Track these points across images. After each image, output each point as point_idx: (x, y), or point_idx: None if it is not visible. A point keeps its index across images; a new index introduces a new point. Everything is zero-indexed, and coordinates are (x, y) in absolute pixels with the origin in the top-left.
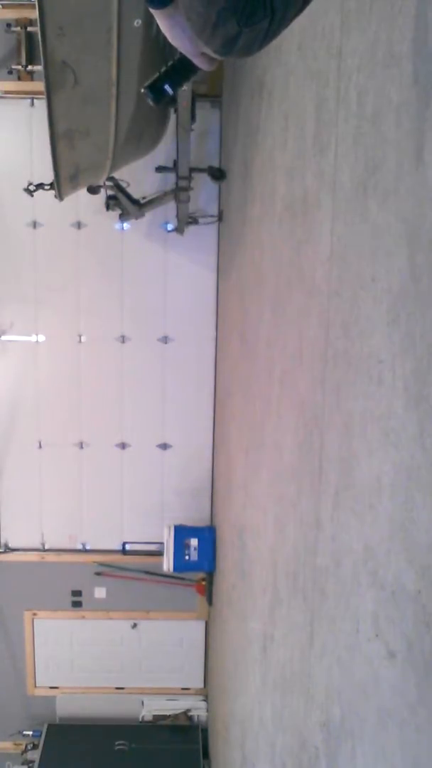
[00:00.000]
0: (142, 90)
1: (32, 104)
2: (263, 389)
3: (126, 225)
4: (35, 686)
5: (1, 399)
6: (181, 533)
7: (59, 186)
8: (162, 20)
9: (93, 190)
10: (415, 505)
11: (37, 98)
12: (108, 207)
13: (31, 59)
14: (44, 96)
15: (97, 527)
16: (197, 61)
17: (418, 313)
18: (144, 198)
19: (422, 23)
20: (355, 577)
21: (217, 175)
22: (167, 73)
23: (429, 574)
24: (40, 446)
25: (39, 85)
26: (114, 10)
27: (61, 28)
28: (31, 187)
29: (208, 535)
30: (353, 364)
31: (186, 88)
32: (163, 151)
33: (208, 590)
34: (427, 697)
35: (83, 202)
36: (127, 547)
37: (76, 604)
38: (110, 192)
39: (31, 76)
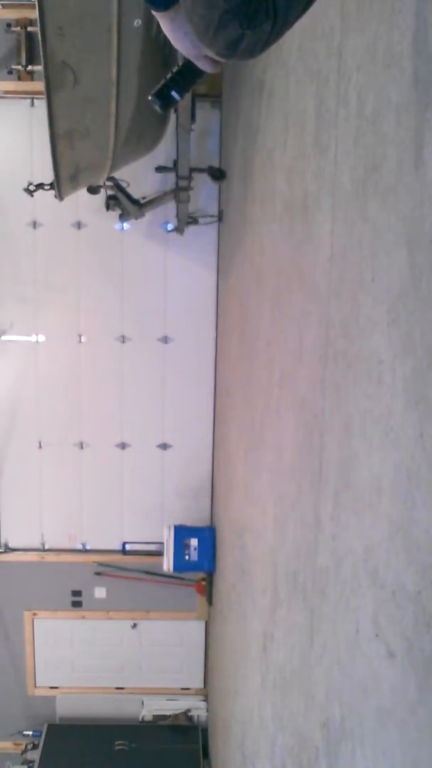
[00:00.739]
0: (149, 98)
1: (32, 104)
2: (263, 389)
3: (126, 225)
4: (35, 686)
5: (1, 399)
6: (181, 533)
7: (59, 186)
8: (164, 22)
9: (93, 190)
10: (415, 505)
11: (37, 98)
12: (108, 207)
13: (31, 59)
14: (44, 96)
15: (97, 527)
16: (200, 64)
17: (418, 313)
18: (144, 198)
19: (422, 23)
20: (355, 577)
21: (217, 175)
22: (173, 80)
23: (429, 574)
24: (40, 446)
25: (39, 85)
26: (114, 10)
27: (61, 28)
28: (31, 187)
29: (208, 535)
30: (353, 364)
31: None
32: (163, 151)
33: (208, 590)
34: (427, 697)
35: (83, 202)
36: (127, 547)
37: (76, 604)
38: (110, 192)
39: (31, 76)
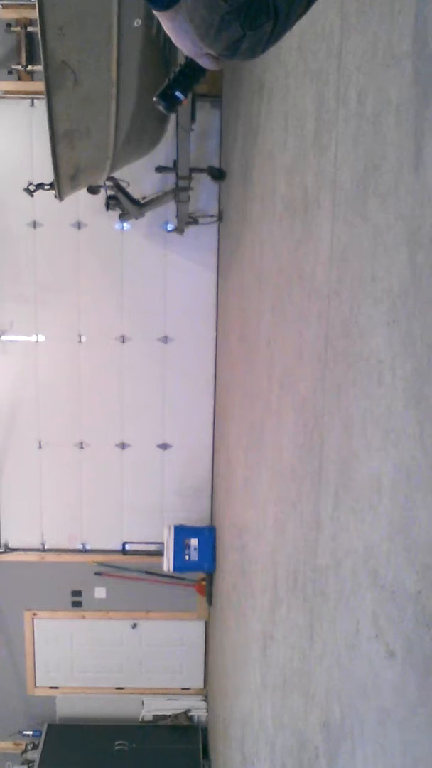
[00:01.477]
0: (154, 99)
1: (32, 104)
2: (263, 389)
3: (126, 225)
4: (35, 686)
5: (1, 399)
6: (181, 533)
7: (59, 186)
8: (165, 22)
9: (93, 190)
10: (415, 505)
11: (37, 98)
12: (108, 207)
13: (31, 59)
14: (44, 96)
15: (97, 527)
16: (202, 62)
17: (418, 313)
18: (144, 198)
19: (422, 23)
20: (355, 577)
21: (217, 175)
22: (176, 80)
23: (429, 574)
24: (40, 446)
25: (39, 85)
26: (114, 10)
27: (61, 28)
28: (31, 187)
29: (208, 535)
30: (353, 364)
31: None
32: (163, 151)
33: (208, 590)
34: (427, 697)
35: (83, 202)
36: (127, 547)
37: (76, 604)
38: (110, 192)
39: (31, 76)
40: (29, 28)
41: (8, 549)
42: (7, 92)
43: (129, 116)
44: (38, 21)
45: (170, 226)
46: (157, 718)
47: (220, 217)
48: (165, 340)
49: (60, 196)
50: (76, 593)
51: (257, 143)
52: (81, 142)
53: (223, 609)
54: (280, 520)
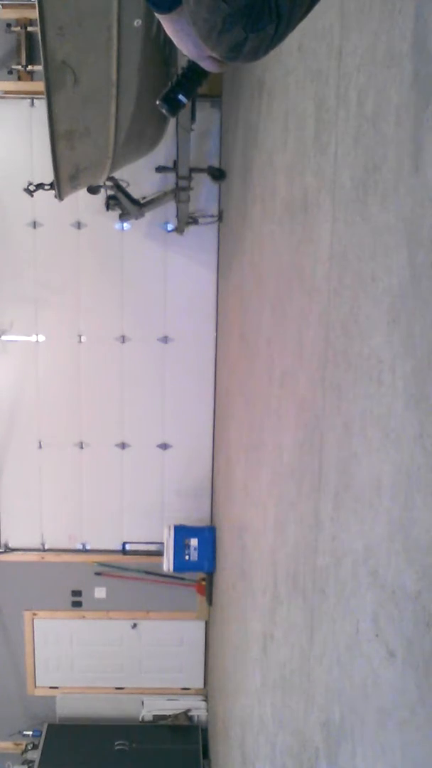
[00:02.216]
0: (157, 103)
1: (32, 104)
2: (263, 389)
3: (126, 225)
4: (35, 686)
5: (1, 399)
6: (181, 533)
7: (59, 186)
8: (167, 25)
9: (93, 190)
10: (415, 505)
11: (37, 98)
12: (108, 207)
13: (31, 59)
14: (44, 96)
15: (97, 527)
16: (204, 64)
17: (418, 313)
18: (144, 198)
19: (422, 23)
20: (355, 577)
21: (217, 175)
22: (179, 83)
23: (429, 574)
24: (40, 446)
25: (39, 85)
26: (114, 10)
27: (61, 28)
28: (31, 187)
29: (208, 535)
30: (353, 364)
31: None
32: (163, 151)
33: (208, 590)
34: (427, 697)
35: (83, 202)
36: (127, 547)
37: (76, 604)
38: (110, 192)
39: (31, 76)
40: (29, 28)
41: (8, 549)
42: (7, 92)
43: (129, 116)
44: (38, 21)
45: (170, 226)
46: (157, 718)
47: (220, 217)
48: (165, 340)
49: (60, 196)
50: (76, 593)
51: (257, 143)
52: (81, 142)
53: (223, 609)
54: (280, 520)
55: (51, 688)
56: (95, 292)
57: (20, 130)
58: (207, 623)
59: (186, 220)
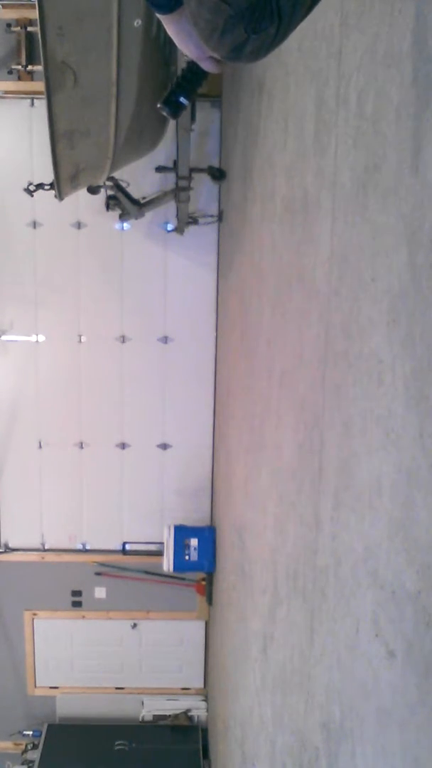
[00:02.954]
0: (158, 106)
1: (32, 104)
2: (263, 389)
3: (126, 225)
4: (35, 686)
5: (1, 399)
6: (181, 533)
7: (59, 186)
8: (168, 25)
9: (93, 190)
10: (415, 505)
11: (37, 98)
12: (108, 207)
13: (31, 59)
14: (44, 96)
15: (97, 527)
16: (204, 65)
17: (418, 313)
18: (144, 198)
19: (422, 23)
20: (355, 577)
21: (217, 175)
22: (179, 85)
23: (429, 574)
24: (40, 446)
25: (39, 85)
26: (114, 10)
27: (61, 28)
28: (31, 187)
29: (208, 535)
30: (353, 364)
31: None
32: (163, 151)
33: (208, 590)
34: (427, 697)
35: (83, 202)
36: (127, 547)
37: (76, 604)
38: (110, 192)
39: (31, 76)
40: (29, 28)
41: (8, 549)
42: (7, 92)
43: (129, 116)
44: (38, 21)
45: (170, 226)
46: (157, 718)
47: (220, 217)
48: (165, 340)
49: (60, 196)
50: (76, 593)
51: (257, 143)
52: (81, 142)
53: (223, 609)
54: (280, 520)
55: (51, 688)
56: (95, 292)
57: (20, 130)
58: (207, 623)
59: (186, 220)
